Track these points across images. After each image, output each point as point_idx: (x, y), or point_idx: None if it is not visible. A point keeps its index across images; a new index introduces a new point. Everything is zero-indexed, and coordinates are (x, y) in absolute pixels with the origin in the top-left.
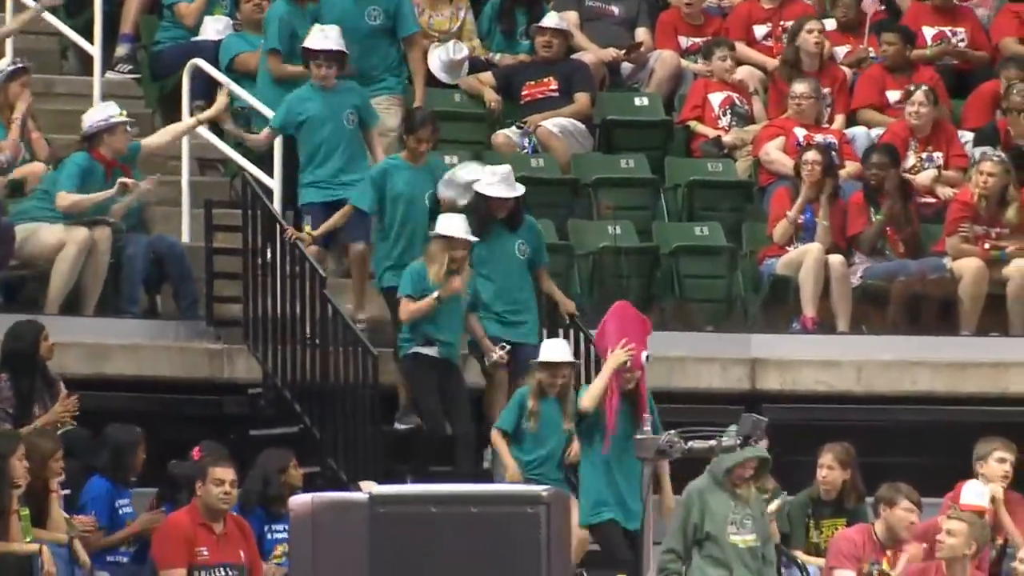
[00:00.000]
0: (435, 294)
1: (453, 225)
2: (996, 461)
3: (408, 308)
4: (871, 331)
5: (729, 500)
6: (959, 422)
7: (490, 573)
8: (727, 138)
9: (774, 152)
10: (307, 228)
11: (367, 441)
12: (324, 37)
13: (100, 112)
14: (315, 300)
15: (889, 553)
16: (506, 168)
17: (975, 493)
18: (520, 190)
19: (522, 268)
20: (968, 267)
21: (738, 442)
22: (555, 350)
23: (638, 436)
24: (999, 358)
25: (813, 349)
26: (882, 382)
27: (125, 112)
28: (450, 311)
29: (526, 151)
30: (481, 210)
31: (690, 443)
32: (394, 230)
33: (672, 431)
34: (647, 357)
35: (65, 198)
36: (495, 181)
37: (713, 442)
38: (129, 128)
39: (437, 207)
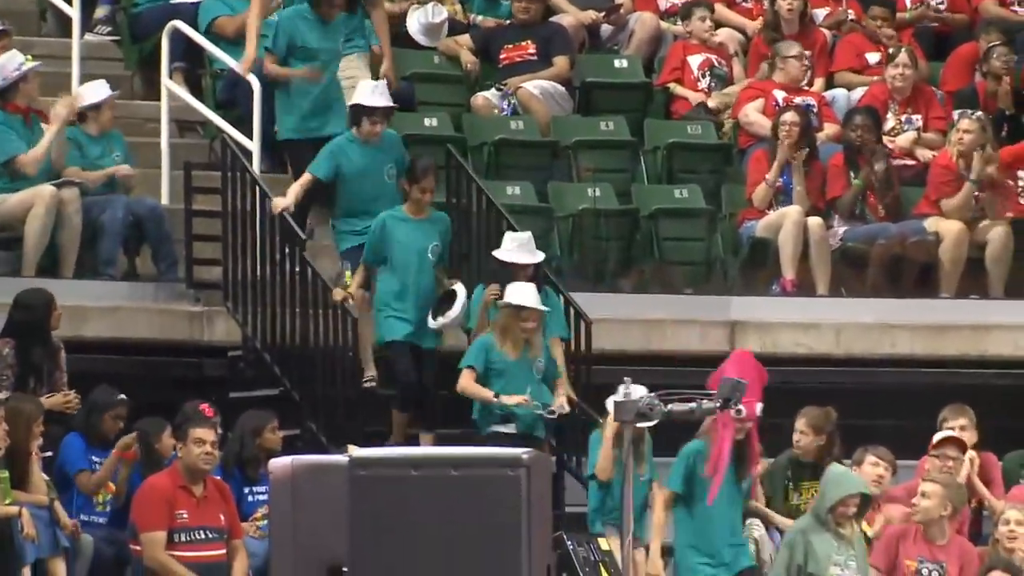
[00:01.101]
0: (497, 396)
1: (524, 294)
2: (960, 429)
3: (468, 385)
4: (850, 294)
5: (832, 540)
6: (938, 384)
7: (470, 535)
8: (711, 103)
9: (753, 114)
10: (348, 275)
11: (346, 403)
12: (379, 94)
13: (10, 62)
14: (295, 262)
15: (869, 513)
16: (527, 235)
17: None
18: (540, 256)
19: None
20: (949, 229)
21: (717, 405)
22: (524, 294)
23: (616, 399)
24: (979, 321)
25: (792, 311)
26: (861, 344)
27: (31, 56)
28: (524, 383)
29: (505, 113)
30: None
31: (670, 406)
32: (395, 280)
33: (652, 394)
34: (761, 408)
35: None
36: (514, 247)
37: (693, 405)
38: (111, 93)
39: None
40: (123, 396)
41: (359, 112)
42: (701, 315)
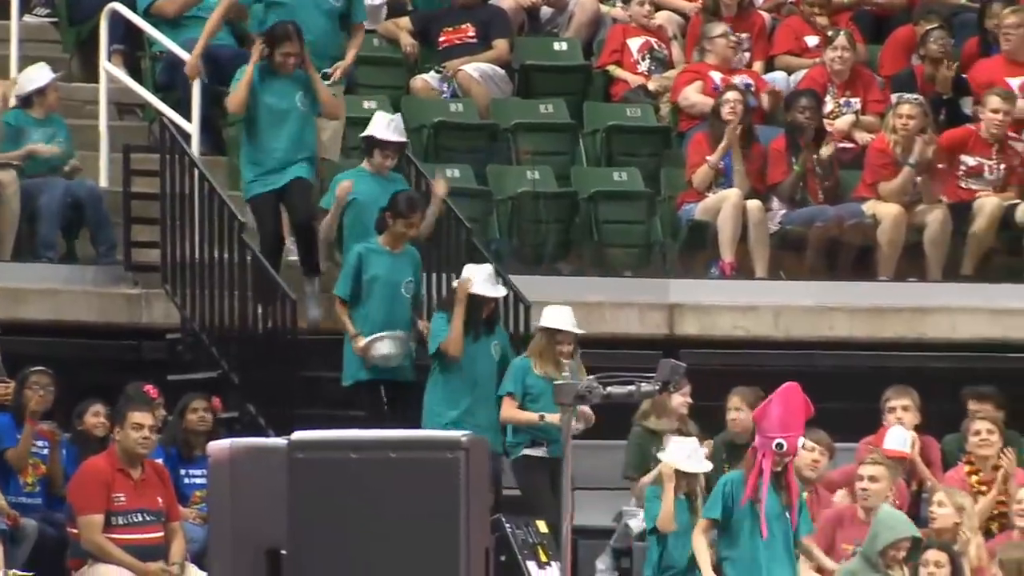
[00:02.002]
0: (542, 417)
1: (559, 317)
2: (902, 409)
3: (511, 414)
4: (789, 276)
5: None
6: (877, 367)
7: (409, 518)
8: (651, 86)
9: (693, 95)
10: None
11: (285, 386)
12: (394, 129)
13: None
14: (233, 245)
15: (805, 495)
16: (490, 267)
17: (898, 439)
18: (504, 291)
19: (493, 371)
20: (886, 213)
21: (657, 388)
22: (560, 317)
23: (557, 382)
24: (917, 303)
25: (731, 294)
26: (800, 327)
27: None
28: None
29: (445, 96)
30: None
31: (609, 389)
32: (370, 313)
33: (591, 377)
34: (803, 443)
35: None
36: (481, 279)
37: (632, 387)
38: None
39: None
40: (43, 368)
41: (372, 144)
42: (640, 298)
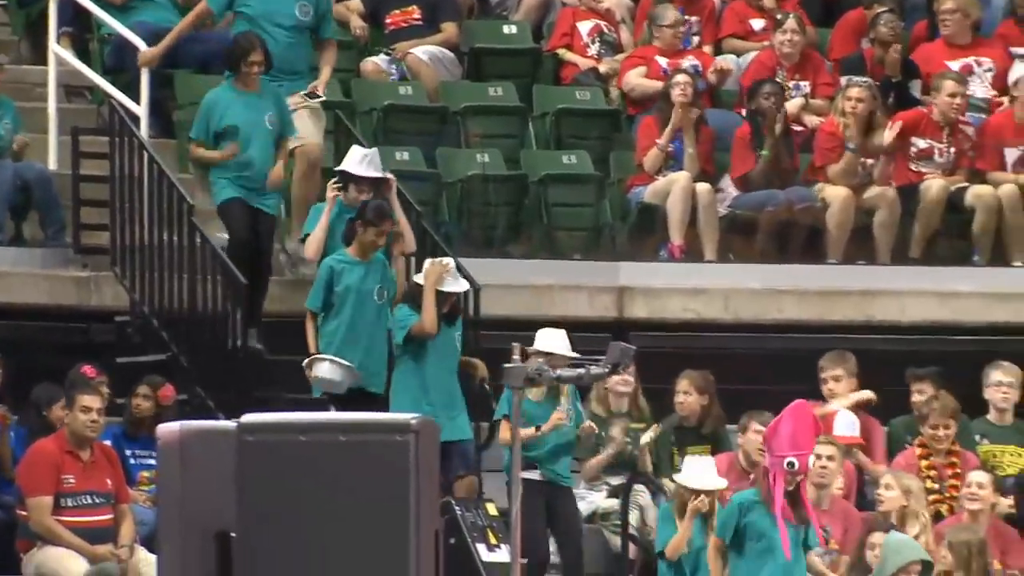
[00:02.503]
0: (539, 428)
1: (554, 341)
2: (833, 380)
3: (507, 435)
4: (738, 259)
5: None
6: (826, 349)
7: (358, 501)
8: (601, 69)
9: (635, 79)
10: None
11: (234, 369)
12: (368, 163)
13: None
14: (183, 228)
15: (752, 478)
16: (451, 261)
17: (847, 425)
18: (466, 285)
19: (456, 362)
20: (835, 195)
21: (606, 370)
22: (553, 340)
23: (506, 365)
24: (865, 286)
25: (680, 277)
26: (749, 310)
27: None
28: (553, 437)
29: (394, 78)
30: (420, 301)
31: (558, 371)
32: (343, 324)
33: (540, 359)
34: (813, 461)
35: None
36: (450, 279)
37: (582, 370)
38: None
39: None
40: None
41: (347, 179)
42: (589, 281)
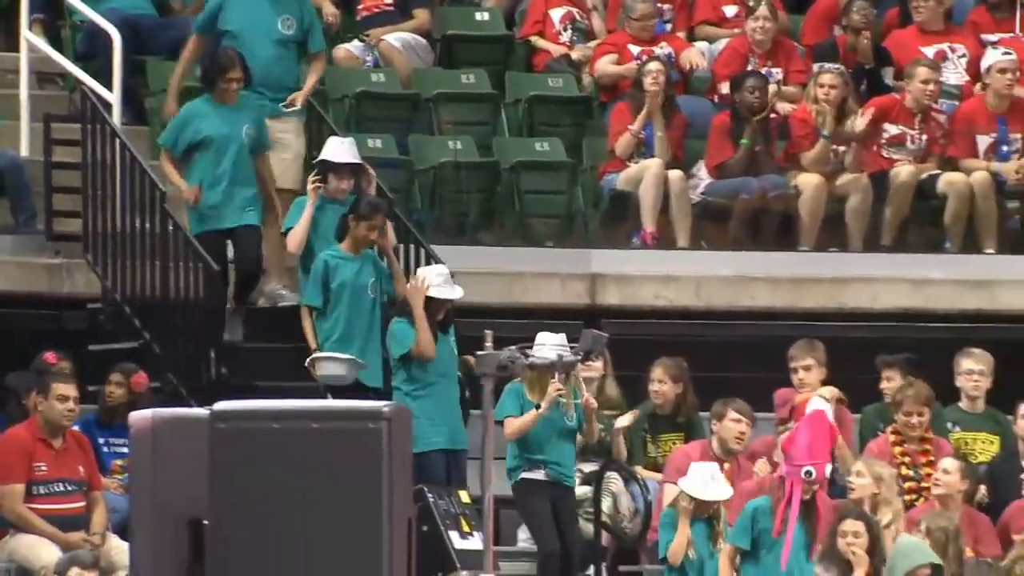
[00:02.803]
0: (538, 410)
1: (555, 341)
2: (803, 369)
3: (511, 424)
4: (710, 246)
5: None
6: (798, 337)
7: (331, 488)
8: (574, 56)
9: (606, 66)
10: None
11: (206, 356)
12: (346, 151)
13: None
14: (155, 215)
15: (727, 467)
16: (444, 268)
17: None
18: (460, 292)
19: (455, 369)
20: (808, 183)
21: (579, 357)
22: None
23: (479, 352)
24: (837, 274)
25: (653, 264)
26: (721, 297)
27: None
28: (556, 435)
29: (368, 65)
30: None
31: (531, 359)
32: (339, 319)
33: (513, 347)
34: (831, 470)
35: None
36: (436, 282)
37: (554, 357)
38: None
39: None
40: None
41: (325, 168)
42: (562, 268)
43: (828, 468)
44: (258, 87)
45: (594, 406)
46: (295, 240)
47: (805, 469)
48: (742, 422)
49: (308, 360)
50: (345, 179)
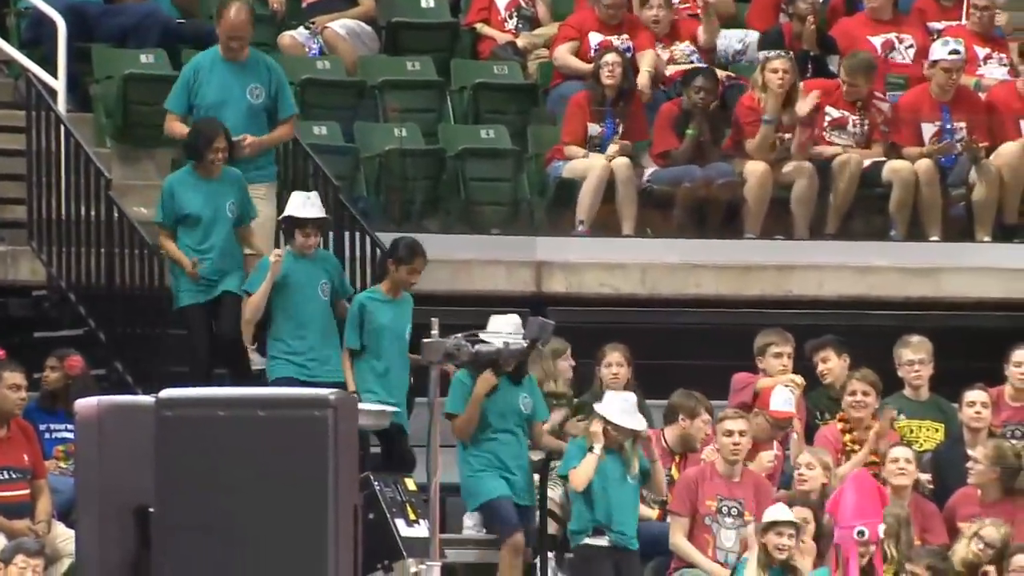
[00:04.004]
0: (591, 448)
1: (618, 409)
2: (773, 357)
3: (577, 476)
4: (656, 234)
5: None
6: (743, 324)
7: (277, 476)
8: (520, 43)
9: (566, 56)
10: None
11: (152, 343)
12: (310, 205)
13: None
14: (100, 202)
15: (677, 459)
16: (515, 319)
17: (784, 400)
18: (644, 424)
19: (525, 425)
20: (753, 171)
21: (525, 345)
22: (619, 408)
23: (425, 340)
24: (783, 261)
25: (598, 252)
26: (667, 285)
27: None
28: (619, 493)
29: (313, 53)
30: (484, 360)
31: (477, 347)
32: (373, 363)
33: (459, 334)
34: (883, 529)
35: None
36: (507, 332)
37: (500, 345)
38: None
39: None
40: None
41: (291, 224)
42: (507, 255)
43: (881, 528)
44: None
45: (655, 459)
46: (252, 307)
47: (857, 529)
48: (709, 423)
49: None
50: (312, 234)
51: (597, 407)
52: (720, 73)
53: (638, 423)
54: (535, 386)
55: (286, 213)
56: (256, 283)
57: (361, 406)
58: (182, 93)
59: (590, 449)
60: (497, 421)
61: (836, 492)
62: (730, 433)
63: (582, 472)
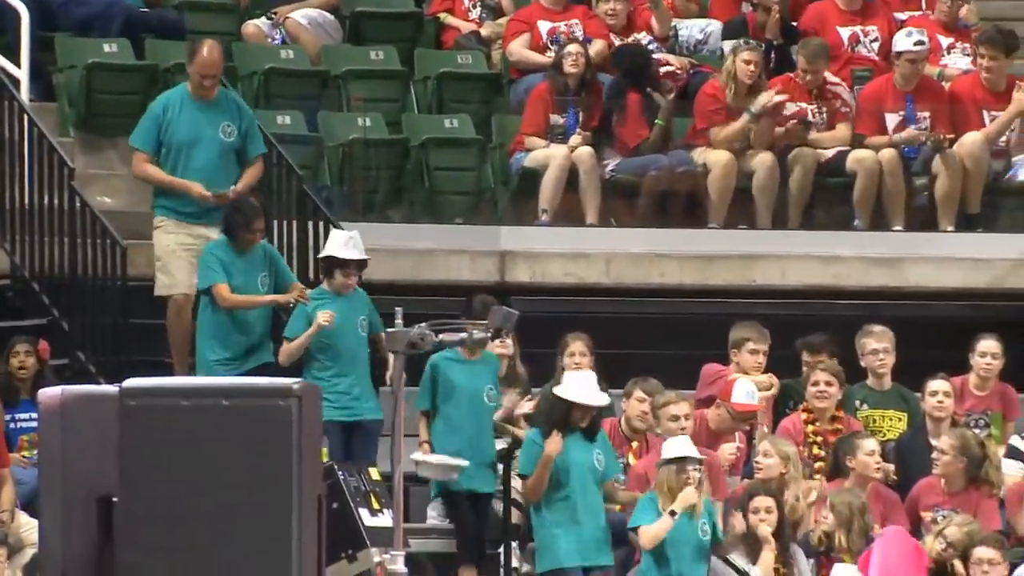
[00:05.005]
0: (673, 513)
1: (683, 446)
2: (748, 352)
3: (647, 533)
4: (620, 224)
5: None
6: (706, 314)
7: (241, 465)
8: (484, 32)
9: (520, 50)
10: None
11: (115, 333)
12: (352, 246)
13: None
14: (63, 191)
15: (634, 445)
16: (590, 374)
17: (746, 393)
18: (607, 399)
19: (598, 483)
20: (717, 160)
21: (489, 335)
22: (684, 446)
23: (388, 330)
24: (747, 251)
25: (562, 242)
26: (630, 274)
27: None
28: (690, 551)
29: (276, 42)
30: (556, 416)
31: (441, 336)
32: (447, 423)
33: (423, 323)
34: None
35: None
36: (582, 387)
37: (464, 335)
38: None
39: None
40: None
41: (332, 264)
42: (471, 245)
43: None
44: (196, 200)
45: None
46: (289, 354)
47: None
48: (646, 402)
49: (421, 456)
50: (352, 275)
51: (556, 390)
52: (683, 62)
53: (601, 399)
54: (607, 442)
55: (326, 253)
56: (295, 330)
57: (426, 458)
58: (151, 130)
59: (671, 513)
60: (569, 478)
61: (869, 548)
62: (676, 418)
63: (653, 533)
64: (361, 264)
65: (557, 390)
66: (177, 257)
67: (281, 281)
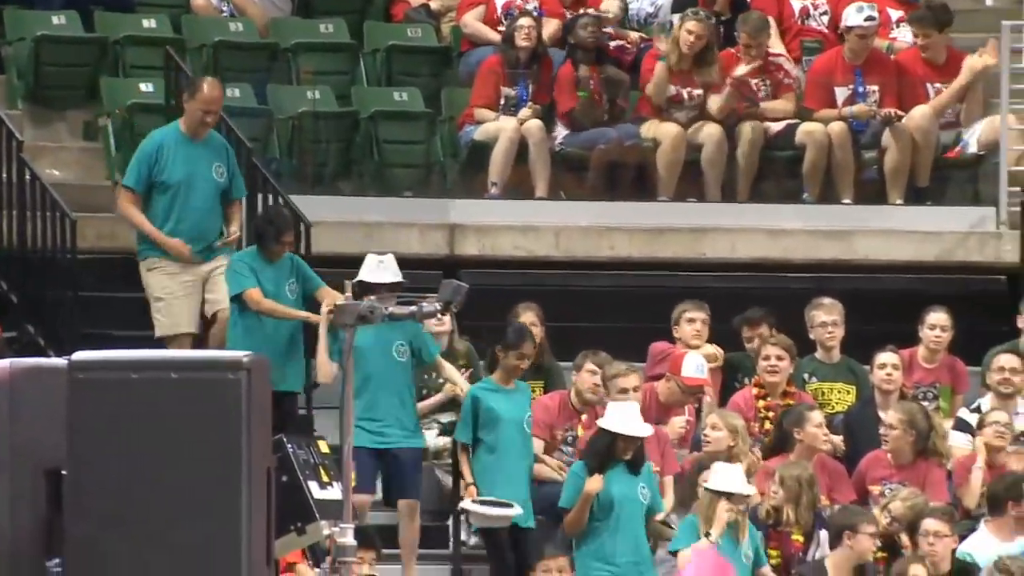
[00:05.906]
0: (712, 536)
1: (730, 478)
2: (686, 322)
3: (684, 560)
4: (569, 197)
5: None
6: (656, 287)
7: (190, 438)
8: (433, 5)
9: (473, 23)
10: None
11: (64, 306)
12: (384, 268)
13: None
14: (12, 164)
15: (584, 418)
16: (634, 405)
17: (695, 367)
18: (649, 430)
19: (643, 516)
20: (665, 133)
21: (438, 307)
22: (730, 477)
23: (337, 303)
24: (696, 224)
25: (512, 214)
26: (580, 247)
27: None
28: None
29: (224, 15)
30: (601, 447)
31: (390, 309)
32: (490, 456)
33: (372, 297)
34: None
35: None
36: (626, 418)
37: (414, 308)
38: None
39: None
40: None
41: (364, 289)
42: (421, 218)
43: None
44: (194, 240)
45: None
46: (323, 371)
47: None
48: (597, 374)
49: (467, 501)
50: (385, 298)
51: (600, 421)
52: (633, 35)
53: (644, 429)
54: (651, 475)
55: (359, 278)
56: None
57: (478, 508)
58: (143, 170)
59: (707, 535)
60: (611, 511)
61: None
62: (625, 391)
63: None
64: (394, 287)
65: (601, 422)
66: (177, 298)
67: (309, 286)
